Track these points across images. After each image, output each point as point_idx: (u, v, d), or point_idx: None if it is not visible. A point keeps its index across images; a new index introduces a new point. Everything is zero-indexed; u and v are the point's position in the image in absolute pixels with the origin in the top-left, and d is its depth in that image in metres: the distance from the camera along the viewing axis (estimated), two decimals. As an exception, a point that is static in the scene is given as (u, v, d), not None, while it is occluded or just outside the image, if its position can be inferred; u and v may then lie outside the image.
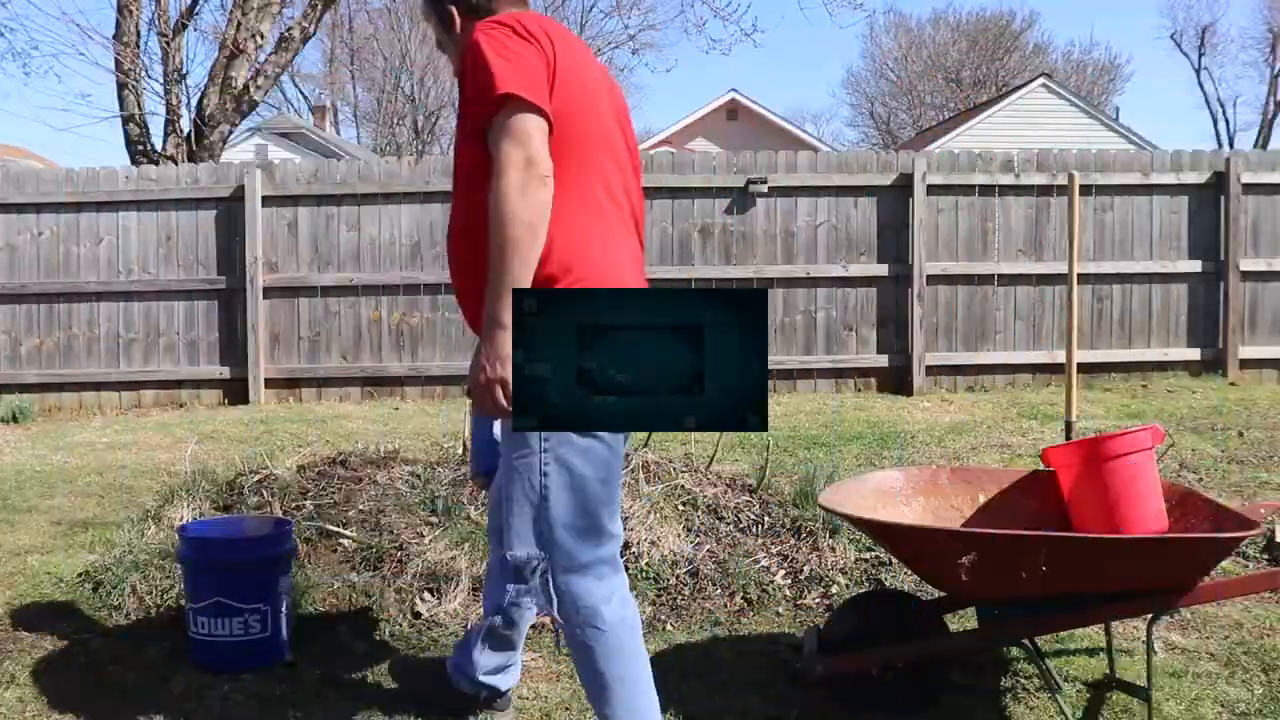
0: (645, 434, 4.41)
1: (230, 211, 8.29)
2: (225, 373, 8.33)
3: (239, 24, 9.68)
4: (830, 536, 3.77)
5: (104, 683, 2.91)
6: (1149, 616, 2.53)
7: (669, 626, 3.33)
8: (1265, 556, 3.77)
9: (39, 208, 8.32)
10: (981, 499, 2.93)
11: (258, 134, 24.59)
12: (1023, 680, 2.86)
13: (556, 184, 2.06)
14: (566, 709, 2.75)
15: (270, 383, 8.31)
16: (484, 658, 2.63)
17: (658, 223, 8.17)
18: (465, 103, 2.17)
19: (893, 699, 2.67)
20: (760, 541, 3.78)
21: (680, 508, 3.86)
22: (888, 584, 3.56)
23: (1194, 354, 8.35)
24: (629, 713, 2.21)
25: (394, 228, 8.33)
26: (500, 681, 2.68)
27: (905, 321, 8.30)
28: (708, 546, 3.67)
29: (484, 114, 2.08)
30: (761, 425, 1.89)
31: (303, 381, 8.37)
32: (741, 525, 3.87)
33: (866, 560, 3.71)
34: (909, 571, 3.47)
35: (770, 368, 8.26)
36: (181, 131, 9.92)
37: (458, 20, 2.32)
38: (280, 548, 3.09)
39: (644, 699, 2.23)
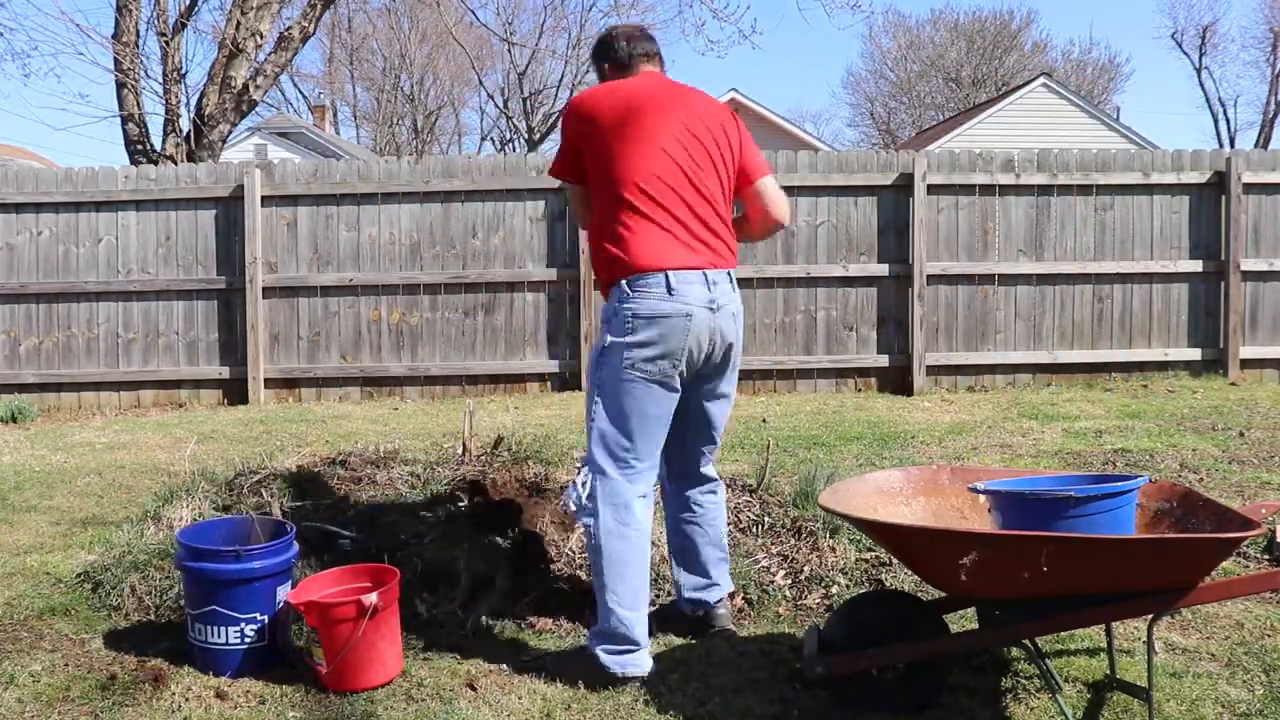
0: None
1: (229, 211, 8.29)
2: (224, 373, 8.33)
3: (238, 23, 9.68)
4: (830, 536, 3.76)
5: (104, 683, 2.91)
6: (1150, 617, 2.52)
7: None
8: (1266, 556, 3.77)
9: (38, 207, 8.33)
10: (982, 499, 2.93)
11: (257, 134, 24.61)
12: (1023, 680, 2.86)
13: (599, 199, 2.96)
14: (567, 709, 2.74)
15: (269, 383, 8.32)
16: (683, 577, 3.25)
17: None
18: None
19: (893, 699, 2.67)
20: (760, 541, 3.78)
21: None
22: (888, 584, 3.55)
23: (1195, 354, 8.36)
24: (611, 583, 2.86)
25: (393, 227, 8.34)
26: (707, 595, 3.22)
27: (905, 321, 8.30)
28: (708, 546, 3.66)
29: None
30: None
31: (302, 381, 8.37)
32: (741, 525, 3.87)
33: (866, 560, 3.71)
34: (909, 571, 3.47)
35: (770, 368, 8.29)
36: (181, 131, 9.92)
37: (609, 72, 3.19)
38: (279, 558, 3.03)
39: (629, 581, 2.87)
